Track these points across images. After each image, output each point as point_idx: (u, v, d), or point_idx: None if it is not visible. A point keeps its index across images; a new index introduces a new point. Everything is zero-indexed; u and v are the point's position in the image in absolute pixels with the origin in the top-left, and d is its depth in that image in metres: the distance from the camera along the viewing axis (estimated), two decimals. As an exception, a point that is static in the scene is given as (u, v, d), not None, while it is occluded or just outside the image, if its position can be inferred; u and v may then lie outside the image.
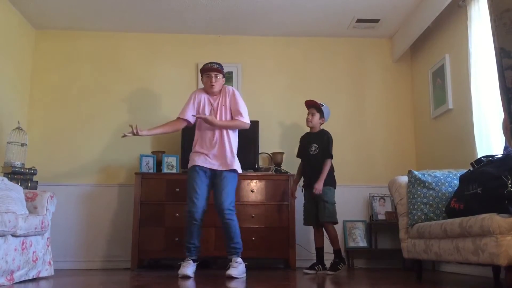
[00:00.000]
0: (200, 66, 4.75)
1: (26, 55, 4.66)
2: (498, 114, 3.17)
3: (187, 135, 4.31)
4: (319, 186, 3.81)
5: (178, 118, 3.69)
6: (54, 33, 4.83)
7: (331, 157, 3.92)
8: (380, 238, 4.51)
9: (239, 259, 3.44)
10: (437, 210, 3.07)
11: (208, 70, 3.64)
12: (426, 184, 3.15)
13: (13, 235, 2.90)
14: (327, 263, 3.90)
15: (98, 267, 4.39)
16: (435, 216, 3.06)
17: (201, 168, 3.54)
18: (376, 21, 4.63)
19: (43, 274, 3.33)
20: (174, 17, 4.56)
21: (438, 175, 3.19)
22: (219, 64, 3.69)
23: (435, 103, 4.36)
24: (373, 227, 4.50)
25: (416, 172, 3.24)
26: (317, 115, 4.03)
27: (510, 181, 2.38)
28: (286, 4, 4.32)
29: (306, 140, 4.11)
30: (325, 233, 3.95)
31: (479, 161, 2.82)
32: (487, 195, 2.50)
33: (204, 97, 3.69)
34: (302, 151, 4.12)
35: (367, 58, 5.00)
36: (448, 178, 3.16)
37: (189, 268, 3.39)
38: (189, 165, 3.61)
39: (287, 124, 4.82)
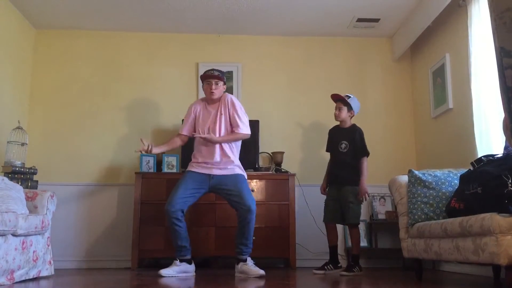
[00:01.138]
0: (200, 66, 4.81)
1: (26, 54, 4.66)
2: (498, 113, 3.17)
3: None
4: (364, 190, 3.69)
5: (179, 134, 3.74)
6: (54, 33, 4.83)
7: (368, 154, 3.80)
8: (380, 238, 4.51)
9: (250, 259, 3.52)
10: (437, 210, 3.07)
11: (209, 77, 3.62)
12: (426, 183, 3.15)
13: (14, 235, 2.90)
14: (320, 262, 3.90)
15: (98, 267, 4.39)
16: (435, 216, 3.06)
17: (198, 173, 3.55)
18: (376, 20, 4.62)
19: (44, 273, 3.33)
20: (174, 16, 4.56)
21: (438, 175, 3.19)
22: (220, 71, 3.67)
23: (435, 102, 4.35)
24: (373, 226, 4.50)
25: (416, 172, 3.24)
26: (345, 109, 3.85)
27: (510, 181, 2.38)
28: (286, 3, 4.31)
29: (335, 136, 3.94)
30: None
31: (479, 160, 2.82)
32: (487, 195, 2.50)
33: (200, 108, 3.70)
34: (331, 146, 3.96)
35: (367, 58, 5.00)
36: (448, 177, 3.16)
37: (168, 270, 3.40)
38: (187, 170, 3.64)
39: (287, 123, 4.81)
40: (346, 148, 3.83)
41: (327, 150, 4.05)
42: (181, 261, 3.48)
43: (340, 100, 3.88)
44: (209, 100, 3.69)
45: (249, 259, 3.50)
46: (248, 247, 3.51)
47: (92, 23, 4.71)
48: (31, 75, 4.75)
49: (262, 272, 3.40)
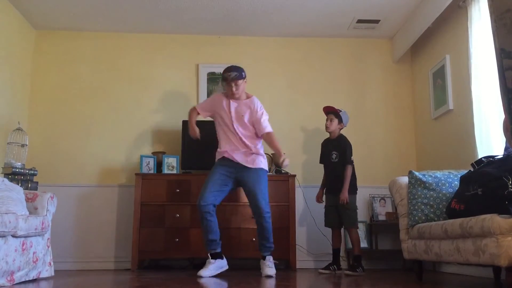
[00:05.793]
0: (200, 67, 4.83)
1: (26, 55, 4.66)
2: (498, 114, 3.17)
3: (187, 135, 4.31)
4: (344, 196, 3.84)
5: (194, 109, 3.85)
6: (54, 33, 4.83)
7: (351, 163, 3.93)
8: (381, 239, 4.51)
9: (272, 258, 3.59)
10: (438, 211, 3.07)
11: (225, 80, 3.73)
12: (427, 184, 3.15)
13: (14, 236, 2.89)
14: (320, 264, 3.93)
15: (98, 268, 4.39)
16: (435, 217, 3.06)
17: (226, 163, 3.64)
18: (377, 21, 4.63)
19: (44, 274, 3.33)
20: (174, 17, 4.56)
21: (438, 176, 3.19)
22: (237, 70, 3.73)
23: (435, 103, 4.35)
24: (374, 227, 4.50)
25: (416, 173, 3.24)
26: (336, 121, 4.03)
27: (510, 182, 2.38)
28: (287, 4, 4.32)
29: (326, 147, 4.12)
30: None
31: (479, 161, 2.81)
32: (487, 196, 2.50)
33: (224, 102, 3.77)
34: (324, 158, 4.13)
35: (368, 59, 5.00)
36: (448, 178, 3.16)
37: (206, 270, 3.46)
38: (216, 160, 3.75)
39: (287, 124, 4.81)
40: (336, 158, 4.00)
41: (320, 162, 4.19)
42: (212, 256, 3.54)
43: (332, 112, 4.05)
44: (232, 98, 3.79)
45: (268, 257, 3.59)
46: (267, 246, 3.60)
47: (92, 24, 4.71)
48: (31, 75, 4.75)
49: (270, 273, 3.48)
